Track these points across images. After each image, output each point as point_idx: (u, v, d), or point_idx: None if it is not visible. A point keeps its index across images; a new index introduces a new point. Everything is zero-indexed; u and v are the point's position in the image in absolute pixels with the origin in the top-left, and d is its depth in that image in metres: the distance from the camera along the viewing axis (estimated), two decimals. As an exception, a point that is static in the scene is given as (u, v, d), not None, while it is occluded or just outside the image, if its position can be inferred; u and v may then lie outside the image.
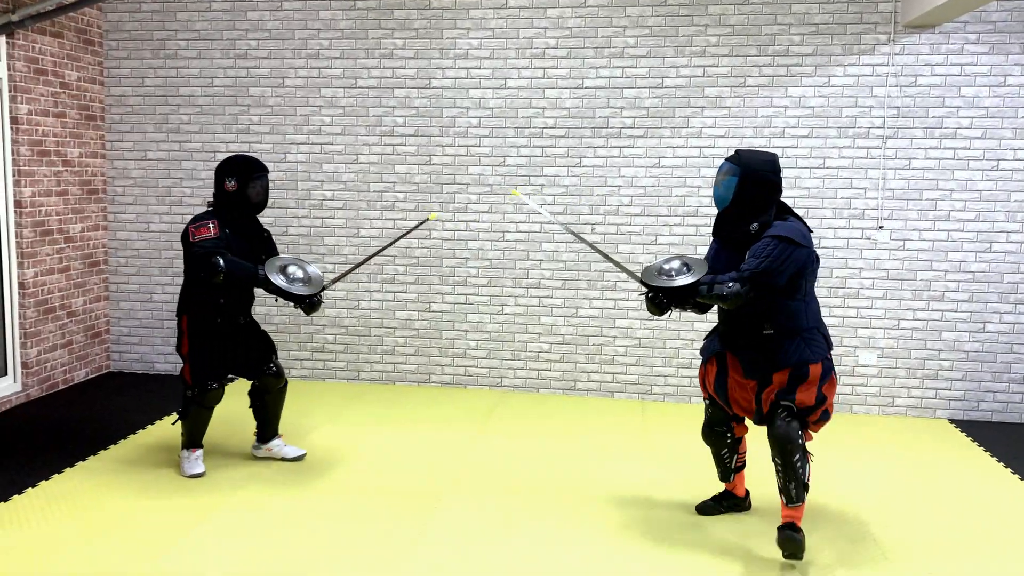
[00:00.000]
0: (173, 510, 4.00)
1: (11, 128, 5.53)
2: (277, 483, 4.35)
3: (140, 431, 5.14)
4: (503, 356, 6.16)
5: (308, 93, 6.17)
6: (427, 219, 4.56)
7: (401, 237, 4.78)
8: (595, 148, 5.93)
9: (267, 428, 4.66)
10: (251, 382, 4.69)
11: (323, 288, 4.32)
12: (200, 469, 4.43)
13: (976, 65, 5.54)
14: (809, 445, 3.74)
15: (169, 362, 6.49)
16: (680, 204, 5.88)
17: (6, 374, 5.67)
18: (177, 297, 4.93)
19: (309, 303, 4.30)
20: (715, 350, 3.84)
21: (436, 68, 6.03)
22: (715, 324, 3.96)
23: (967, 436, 5.39)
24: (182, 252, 4.56)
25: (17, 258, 5.64)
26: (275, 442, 4.68)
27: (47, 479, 4.34)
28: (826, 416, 3.67)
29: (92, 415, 5.44)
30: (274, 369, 4.58)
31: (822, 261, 5.76)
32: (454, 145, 6.08)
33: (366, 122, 6.15)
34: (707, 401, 3.96)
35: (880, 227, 5.71)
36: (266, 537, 3.74)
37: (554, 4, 5.86)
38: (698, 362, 5.96)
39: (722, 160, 5.77)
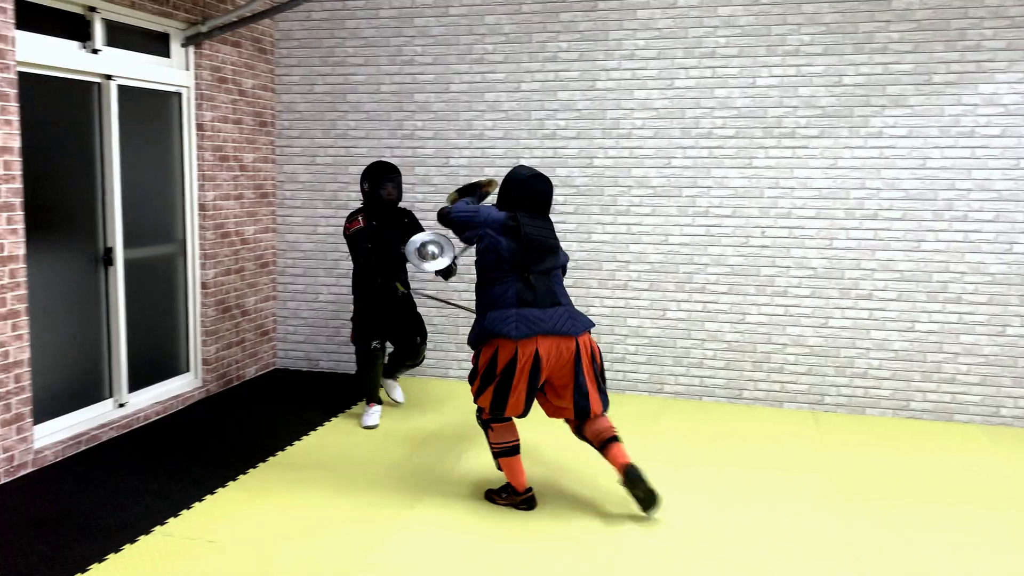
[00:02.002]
0: (373, 507, 4.08)
1: (197, 135, 5.78)
2: (463, 484, 4.39)
3: (319, 428, 5.28)
4: (665, 362, 6.07)
5: (471, 98, 6.22)
6: None
7: None
8: (767, 149, 5.76)
9: (390, 370, 5.72)
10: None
11: (455, 258, 4.88)
12: (374, 422, 5.34)
13: None
14: None
15: (332, 360, 6.66)
16: (858, 207, 5.65)
17: (188, 370, 5.94)
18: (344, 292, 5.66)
19: (446, 271, 5.04)
20: None
21: (601, 70, 5.99)
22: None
23: None
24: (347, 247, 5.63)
25: (200, 259, 5.88)
26: (390, 381, 5.76)
27: (244, 473, 4.49)
28: (480, 392, 4.00)
29: (272, 411, 5.62)
30: (414, 350, 5.53)
31: (1014, 267, 5.45)
32: (616, 147, 6.01)
33: (528, 125, 6.15)
34: None
35: (1081, 231, 5.34)
36: (466, 536, 3.77)
37: (725, 3, 5.73)
38: (874, 370, 5.73)
39: (900, 160, 5.55)
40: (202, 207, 5.85)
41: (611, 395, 6.11)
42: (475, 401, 4.06)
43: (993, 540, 3.85)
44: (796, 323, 5.81)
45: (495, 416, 4.03)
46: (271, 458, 4.73)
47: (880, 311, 5.68)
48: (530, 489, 4.13)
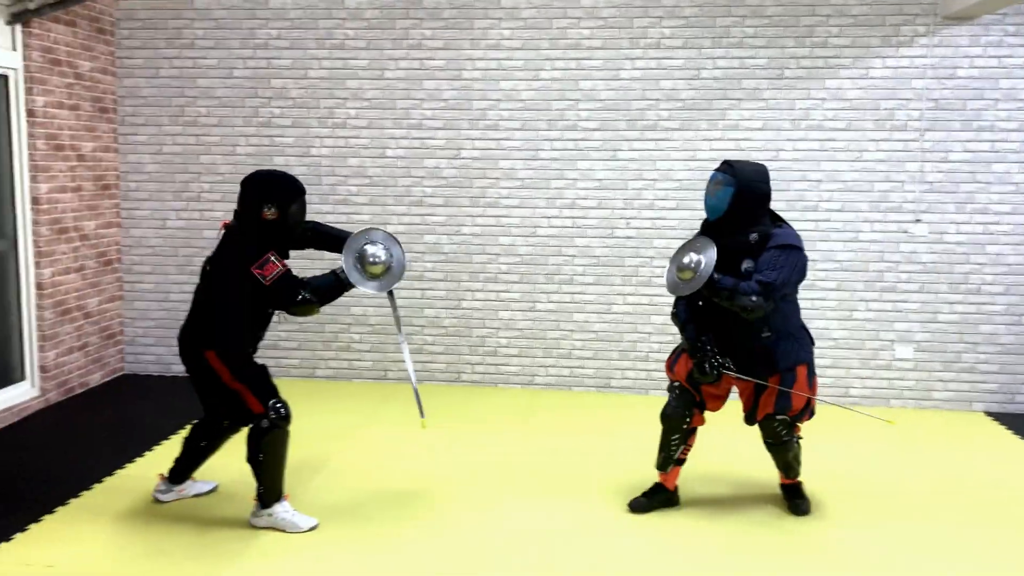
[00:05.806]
0: (225, 525, 3.83)
1: (27, 121, 5.28)
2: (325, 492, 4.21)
3: (171, 437, 4.94)
4: (535, 354, 6.05)
5: (332, 85, 5.98)
6: None
7: None
8: (630, 141, 5.82)
9: (194, 468, 4.05)
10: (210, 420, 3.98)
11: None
12: (315, 521, 3.78)
13: (1014, 57, 5.52)
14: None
15: (187, 363, 6.27)
16: (717, 198, 5.80)
17: (24, 379, 5.43)
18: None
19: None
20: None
21: (467, 59, 5.88)
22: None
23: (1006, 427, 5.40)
24: (207, 278, 3.92)
25: (34, 258, 5.39)
26: (187, 483, 4.08)
27: (88, 489, 4.13)
28: (811, 413, 3.93)
29: (117, 421, 5.24)
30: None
31: (859, 254, 5.75)
32: (484, 138, 5.93)
33: (393, 115, 5.97)
34: (676, 386, 3.97)
35: (918, 220, 5.68)
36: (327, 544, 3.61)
37: (588, -7, 5.74)
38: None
39: (756, 152, 5.73)
40: (35, 200, 5.35)
41: (483, 389, 6.05)
42: (800, 420, 3.92)
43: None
44: (660, 312, 5.92)
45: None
46: (119, 471, 4.38)
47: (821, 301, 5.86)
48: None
